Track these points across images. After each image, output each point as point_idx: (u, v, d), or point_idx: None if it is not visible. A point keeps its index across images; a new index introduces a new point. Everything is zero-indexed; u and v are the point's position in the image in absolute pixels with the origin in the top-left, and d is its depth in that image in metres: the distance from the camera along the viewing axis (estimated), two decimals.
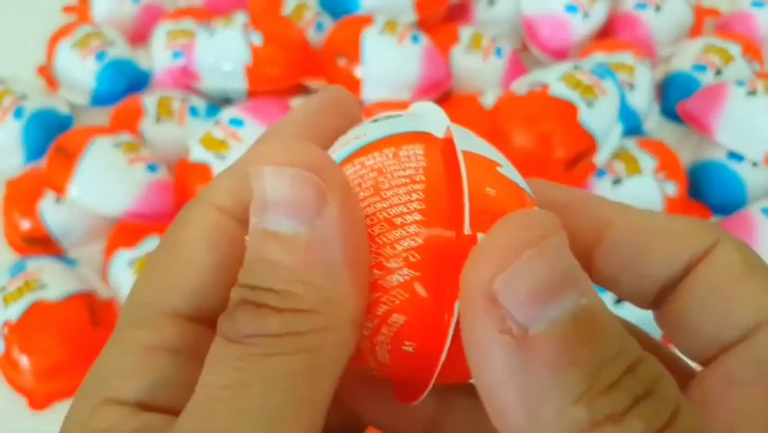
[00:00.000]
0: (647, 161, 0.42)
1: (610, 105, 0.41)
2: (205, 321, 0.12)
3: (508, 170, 0.13)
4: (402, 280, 0.11)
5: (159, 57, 0.52)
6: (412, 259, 0.11)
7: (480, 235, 0.11)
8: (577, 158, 0.40)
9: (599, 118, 0.40)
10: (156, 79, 0.52)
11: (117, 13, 0.55)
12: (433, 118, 0.13)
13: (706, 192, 0.45)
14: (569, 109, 0.40)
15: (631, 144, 0.43)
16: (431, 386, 0.12)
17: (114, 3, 0.55)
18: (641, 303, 0.14)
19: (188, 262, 0.12)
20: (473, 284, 0.09)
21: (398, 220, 0.12)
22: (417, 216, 0.11)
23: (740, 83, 0.45)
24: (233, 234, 0.13)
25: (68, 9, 0.59)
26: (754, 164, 0.44)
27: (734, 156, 0.45)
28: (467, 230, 0.11)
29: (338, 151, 0.13)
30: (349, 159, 0.13)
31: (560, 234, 0.09)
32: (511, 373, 0.09)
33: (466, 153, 0.12)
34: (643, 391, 0.09)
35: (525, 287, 0.09)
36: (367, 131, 0.13)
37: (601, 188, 0.42)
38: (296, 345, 0.10)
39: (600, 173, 0.42)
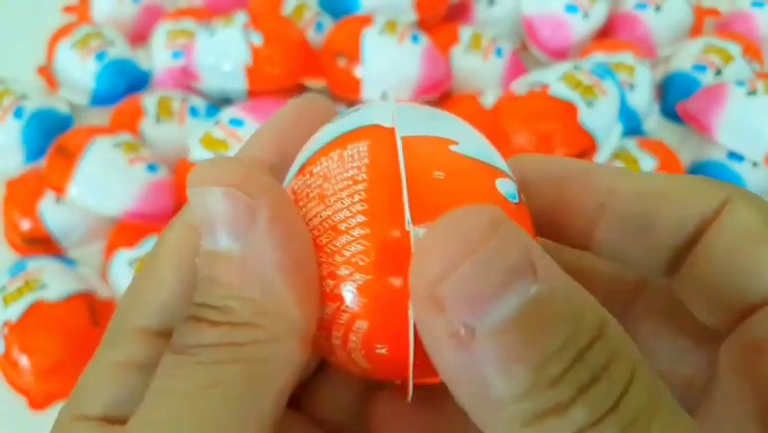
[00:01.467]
0: (647, 161, 0.42)
1: (610, 105, 0.41)
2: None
3: (467, 146, 0.12)
4: (356, 285, 0.11)
5: (159, 57, 0.52)
6: (361, 263, 0.11)
7: (419, 231, 0.11)
8: (577, 158, 0.40)
9: (599, 118, 0.40)
10: (156, 79, 0.52)
11: (117, 13, 0.55)
12: (386, 107, 0.13)
13: None
14: (569, 109, 0.40)
15: (631, 144, 0.43)
16: (411, 386, 0.12)
17: (114, 3, 0.55)
18: (654, 273, 0.13)
19: (158, 280, 0.13)
20: (419, 289, 0.10)
21: (343, 225, 0.11)
22: (361, 219, 0.11)
23: (740, 83, 0.45)
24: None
25: (68, 9, 0.59)
26: (754, 164, 0.44)
27: (734, 156, 0.44)
28: (408, 226, 0.11)
29: (295, 161, 0.13)
30: (301, 169, 0.13)
31: (500, 231, 0.09)
32: (462, 371, 0.09)
33: (411, 139, 0.12)
34: (589, 378, 0.09)
35: (466, 292, 0.09)
36: (320, 135, 0.13)
37: None
38: (232, 355, 0.11)
39: None
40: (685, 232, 0.12)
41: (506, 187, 0.12)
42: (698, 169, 0.46)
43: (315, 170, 0.12)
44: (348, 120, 0.13)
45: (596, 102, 0.40)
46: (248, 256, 0.11)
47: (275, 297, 0.11)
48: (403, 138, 0.12)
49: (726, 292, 0.12)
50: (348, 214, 0.11)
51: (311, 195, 0.12)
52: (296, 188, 0.12)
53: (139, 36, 0.55)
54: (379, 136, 0.12)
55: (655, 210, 0.12)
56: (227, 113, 0.44)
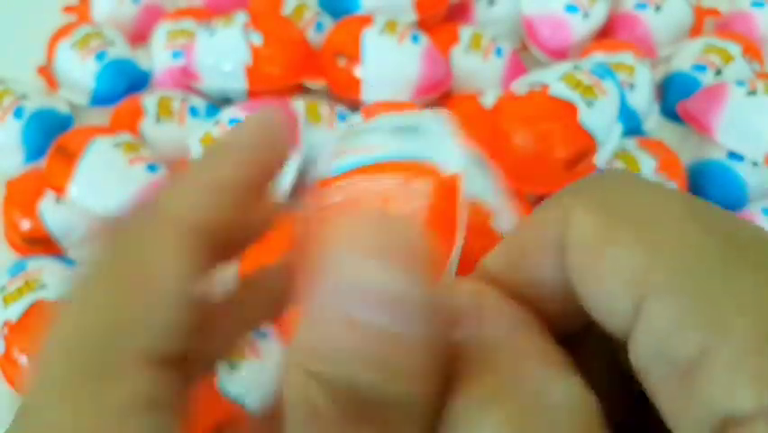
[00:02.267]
0: (647, 161, 0.42)
1: (610, 105, 0.41)
2: (173, 363, 0.11)
3: (501, 219, 0.14)
4: None
5: (159, 57, 0.52)
6: None
7: None
8: (577, 158, 0.40)
9: (599, 118, 0.40)
10: (156, 79, 0.52)
11: (117, 13, 0.55)
12: (440, 137, 0.13)
13: (706, 192, 0.45)
14: (569, 109, 0.40)
15: (631, 144, 0.43)
16: None
17: (114, 3, 0.55)
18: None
19: (158, 294, 0.11)
20: None
21: None
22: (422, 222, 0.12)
23: (740, 83, 0.45)
24: (205, 259, 0.11)
25: (68, 9, 0.59)
26: (755, 164, 0.44)
27: (734, 156, 0.44)
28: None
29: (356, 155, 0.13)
30: (355, 172, 0.13)
31: None
32: None
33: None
34: None
35: None
36: (372, 141, 0.13)
37: None
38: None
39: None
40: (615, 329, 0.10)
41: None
42: (698, 169, 0.46)
43: (373, 186, 0.12)
44: (403, 140, 0.13)
45: (596, 102, 0.40)
46: (413, 338, 0.10)
47: (422, 377, 0.10)
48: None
49: (600, 319, 0.10)
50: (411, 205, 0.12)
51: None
52: (345, 185, 0.13)
53: (139, 36, 0.55)
54: (439, 184, 0.12)
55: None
56: (227, 113, 0.44)
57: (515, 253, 0.11)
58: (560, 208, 0.10)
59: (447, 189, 0.12)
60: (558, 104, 0.40)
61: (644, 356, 0.09)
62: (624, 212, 0.10)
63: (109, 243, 0.12)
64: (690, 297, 0.09)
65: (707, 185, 0.45)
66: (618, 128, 0.42)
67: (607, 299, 0.10)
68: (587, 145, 0.40)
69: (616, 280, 0.09)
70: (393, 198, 0.12)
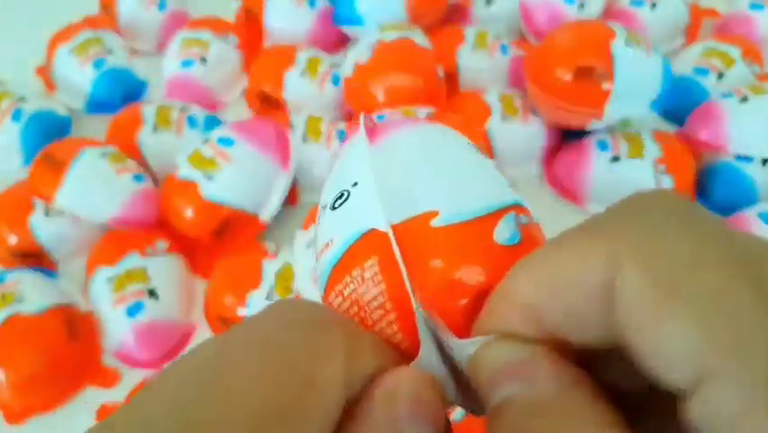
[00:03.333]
0: (652, 149, 0.42)
1: (651, 61, 0.42)
2: None
3: (450, 209, 0.14)
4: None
5: (168, 64, 0.51)
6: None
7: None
8: (588, 71, 0.40)
9: (632, 62, 0.41)
10: (164, 86, 0.51)
11: (142, 19, 0.54)
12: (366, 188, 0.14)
13: (715, 192, 0.43)
14: (606, 33, 0.41)
15: (644, 130, 0.43)
16: None
17: (141, 9, 0.54)
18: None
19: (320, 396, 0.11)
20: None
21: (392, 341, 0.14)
22: (400, 336, 0.14)
23: (726, 95, 0.44)
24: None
25: (90, 20, 0.58)
26: (764, 162, 0.42)
27: (741, 157, 0.43)
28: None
29: (323, 263, 0.15)
30: (331, 284, 0.15)
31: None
32: None
33: (400, 230, 0.13)
34: None
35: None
36: (331, 232, 0.15)
37: (599, 161, 0.41)
38: None
39: (603, 146, 0.41)
40: (588, 327, 0.11)
41: (504, 232, 0.13)
42: (706, 169, 0.44)
43: (345, 292, 0.14)
44: (349, 219, 0.14)
45: (641, 48, 0.41)
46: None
47: None
48: (394, 229, 0.14)
49: (652, 375, 0.11)
50: (395, 340, 0.14)
51: (352, 315, 0.14)
52: (334, 304, 0.15)
53: (164, 43, 0.54)
54: (381, 248, 0.14)
55: (552, 305, 0.12)
56: (216, 132, 0.43)
57: (555, 288, 0.12)
58: (604, 251, 0.11)
59: (386, 251, 0.14)
60: (599, 28, 0.42)
61: (702, 422, 0.10)
62: (676, 279, 0.10)
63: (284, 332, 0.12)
64: (751, 387, 0.09)
65: (716, 185, 0.43)
66: (642, 109, 0.42)
67: (664, 365, 0.10)
68: (603, 65, 0.40)
69: (674, 353, 0.10)
70: (361, 299, 0.14)
